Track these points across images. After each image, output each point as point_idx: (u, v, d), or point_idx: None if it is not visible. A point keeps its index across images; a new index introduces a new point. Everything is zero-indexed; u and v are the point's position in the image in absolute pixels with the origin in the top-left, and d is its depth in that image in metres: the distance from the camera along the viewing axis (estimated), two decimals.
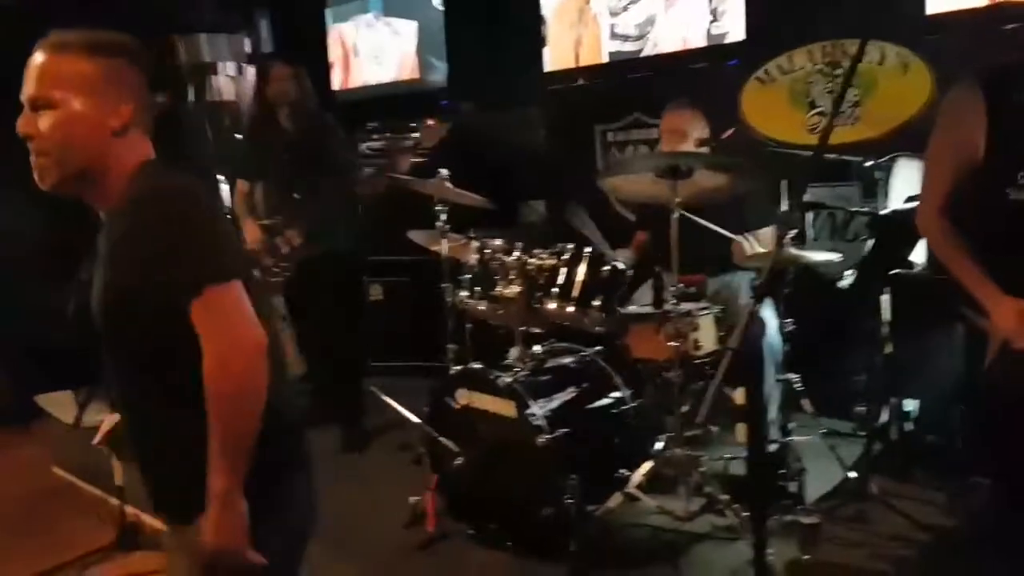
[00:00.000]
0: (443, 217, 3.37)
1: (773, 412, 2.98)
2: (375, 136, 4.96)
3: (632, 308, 3.04)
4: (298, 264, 3.78)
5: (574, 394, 2.87)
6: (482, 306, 3.04)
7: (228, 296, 1.34)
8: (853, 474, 2.94)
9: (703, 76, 4.08)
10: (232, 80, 5.23)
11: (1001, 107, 1.94)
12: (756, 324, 2.69)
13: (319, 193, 3.72)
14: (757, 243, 3.12)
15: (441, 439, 2.86)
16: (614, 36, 4.52)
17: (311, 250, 3.75)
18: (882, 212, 3.20)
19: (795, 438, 2.95)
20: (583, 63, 4.65)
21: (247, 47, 5.27)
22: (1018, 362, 1.88)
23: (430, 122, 4.46)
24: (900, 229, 2.95)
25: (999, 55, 2.14)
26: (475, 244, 3.13)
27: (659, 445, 2.94)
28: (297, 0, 5.85)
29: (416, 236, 3.54)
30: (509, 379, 2.74)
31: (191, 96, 5.18)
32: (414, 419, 3.01)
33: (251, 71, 5.31)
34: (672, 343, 2.73)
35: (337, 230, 3.82)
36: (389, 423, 3.78)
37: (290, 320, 4.10)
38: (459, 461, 2.82)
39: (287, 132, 3.84)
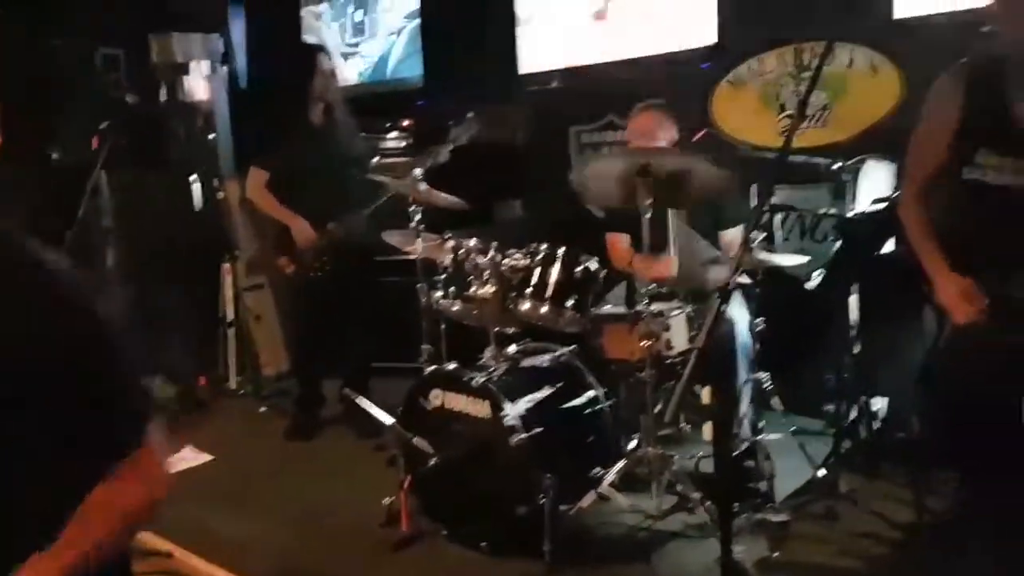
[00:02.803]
0: (417, 217, 3.37)
1: (743, 410, 3.01)
2: None
3: (605, 308, 3.07)
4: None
5: (548, 393, 2.88)
6: (456, 306, 3.06)
7: (158, 450, 1.19)
8: (822, 472, 2.97)
9: (675, 79, 4.11)
10: (206, 80, 5.18)
11: (975, 94, 2.01)
12: (723, 323, 2.71)
13: (349, 187, 3.82)
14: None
15: (415, 440, 2.86)
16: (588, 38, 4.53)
17: (344, 244, 3.82)
18: (849, 214, 3.24)
19: (765, 436, 2.99)
20: (558, 65, 4.67)
21: (220, 47, 5.23)
22: (966, 341, 1.95)
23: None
24: (867, 231, 3.00)
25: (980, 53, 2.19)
26: (450, 244, 3.13)
27: (632, 444, 2.97)
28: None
29: (390, 237, 3.54)
30: (483, 379, 2.75)
31: (163, 96, 5.12)
32: (388, 420, 3.00)
33: (224, 71, 5.27)
34: (644, 343, 2.76)
35: (362, 224, 3.85)
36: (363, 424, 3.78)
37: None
38: (433, 461, 2.82)
39: (318, 125, 3.88)
